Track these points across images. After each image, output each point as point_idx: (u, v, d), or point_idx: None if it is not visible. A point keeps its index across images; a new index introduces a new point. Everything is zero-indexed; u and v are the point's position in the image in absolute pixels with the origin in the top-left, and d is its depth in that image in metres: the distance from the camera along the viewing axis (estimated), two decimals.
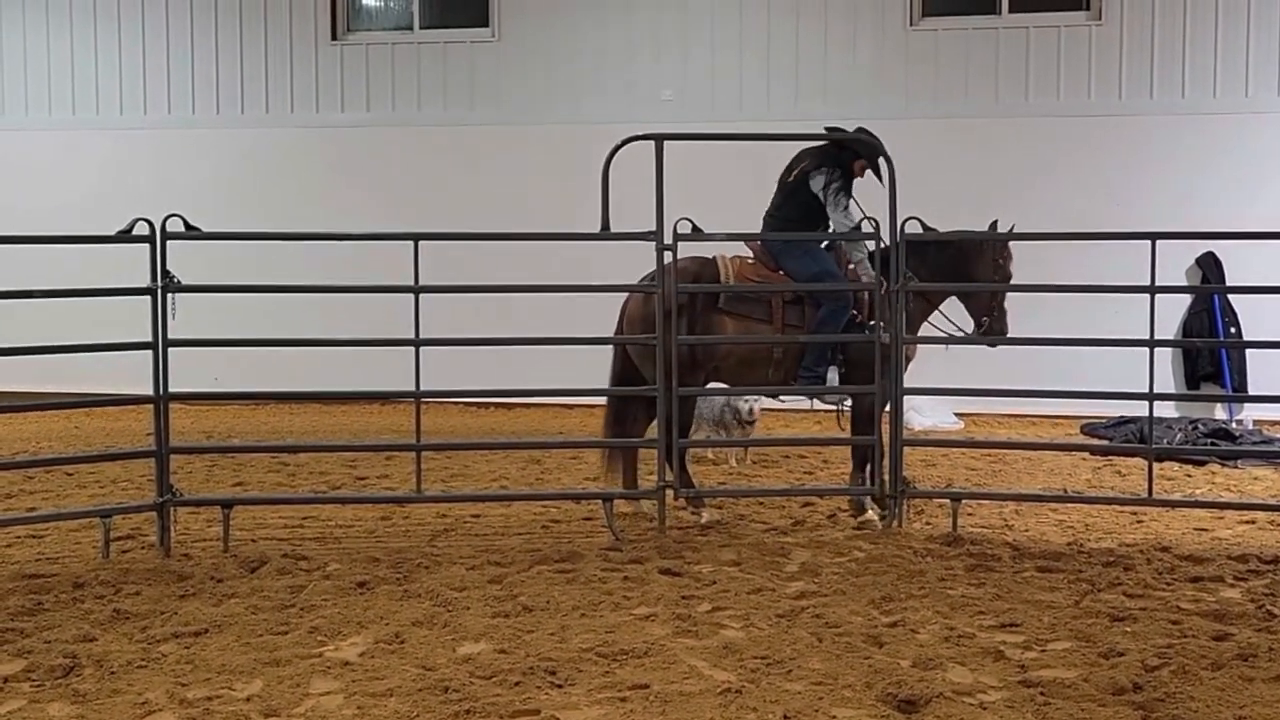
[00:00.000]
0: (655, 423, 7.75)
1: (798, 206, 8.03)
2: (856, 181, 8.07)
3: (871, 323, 7.82)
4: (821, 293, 7.90)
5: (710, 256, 8.05)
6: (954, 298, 8.13)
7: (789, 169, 8.14)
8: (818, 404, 8.72)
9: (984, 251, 7.98)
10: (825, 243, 8.10)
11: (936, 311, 8.09)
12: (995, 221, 7.91)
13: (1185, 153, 12.81)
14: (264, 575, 6.59)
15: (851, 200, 7.97)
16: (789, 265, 7.99)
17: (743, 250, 8.18)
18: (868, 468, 8.02)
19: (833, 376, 7.98)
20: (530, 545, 7.27)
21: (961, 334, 8.08)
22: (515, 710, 4.56)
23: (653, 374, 7.80)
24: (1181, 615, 5.82)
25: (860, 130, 8.10)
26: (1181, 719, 4.47)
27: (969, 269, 8.00)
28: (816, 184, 7.97)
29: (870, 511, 7.87)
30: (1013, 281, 8.70)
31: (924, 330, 8.05)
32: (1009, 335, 8.04)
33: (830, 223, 7.99)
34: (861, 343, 7.82)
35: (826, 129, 8.27)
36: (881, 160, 7.78)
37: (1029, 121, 13.12)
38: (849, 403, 8.16)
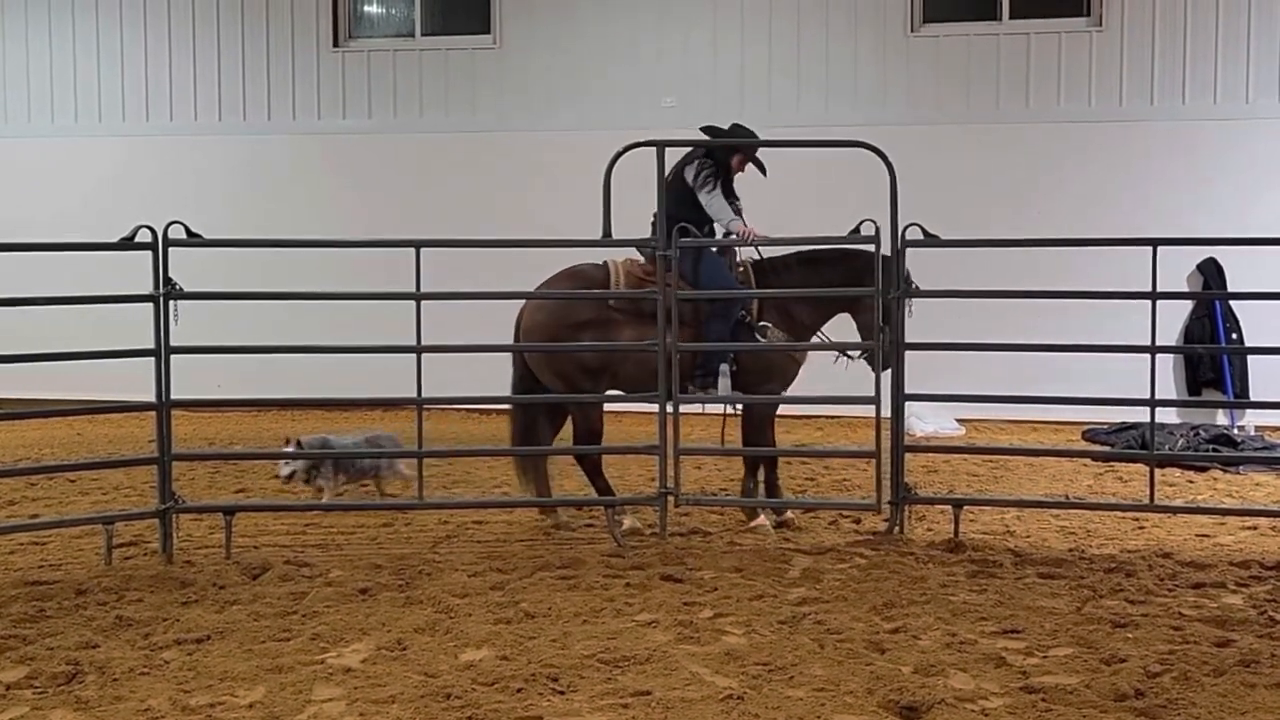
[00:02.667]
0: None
1: (676, 203, 7.86)
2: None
3: (761, 324, 7.91)
4: (711, 292, 7.88)
5: (601, 261, 8.09)
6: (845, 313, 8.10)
7: (670, 172, 8.03)
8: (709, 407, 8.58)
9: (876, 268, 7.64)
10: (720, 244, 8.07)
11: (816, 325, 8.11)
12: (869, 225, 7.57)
13: (1186, 159, 12.81)
14: (266, 582, 6.59)
15: (719, 191, 7.97)
16: (681, 266, 7.84)
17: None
18: (760, 472, 8.20)
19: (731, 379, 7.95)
20: (532, 552, 7.28)
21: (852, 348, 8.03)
22: (517, 717, 4.57)
23: (552, 382, 7.99)
24: (1183, 621, 5.82)
25: (736, 126, 8.19)
26: None
27: (861, 285, 7.75)
28: (689, 175, 7.99)
29: (762, 517, 7.97)
30: (1015, 288, 8.72)
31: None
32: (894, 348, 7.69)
33: (709, 213, 7.96)
34: (757, 346, 7.91)
35: (702, 128, 8.28)
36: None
37: (1030, 127, 13.11)
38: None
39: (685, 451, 7.88)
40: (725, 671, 5.07)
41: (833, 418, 12.55)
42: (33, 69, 14.80)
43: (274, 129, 14.45)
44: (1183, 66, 12.88)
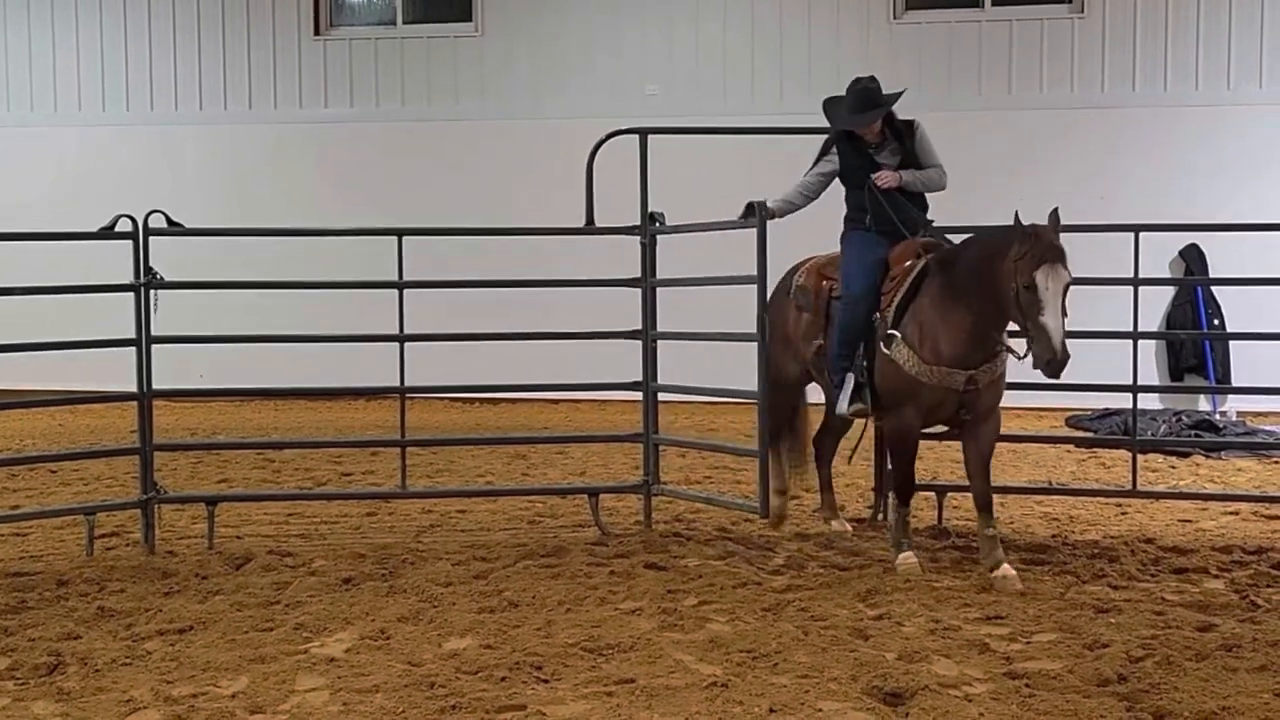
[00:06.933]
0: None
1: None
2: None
3: (890, 333, 6.53)
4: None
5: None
6: None
7: None
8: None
9: None
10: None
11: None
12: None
13: (1168, 145, 12.84)
14: (249, 572, 6.57)
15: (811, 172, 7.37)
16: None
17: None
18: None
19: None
20: (516, 540, 7.27)
21: None
22: (501, 706, 4.56)
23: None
24: (1166, 606, 5.84)
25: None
26: (1166, 710, 4.49)
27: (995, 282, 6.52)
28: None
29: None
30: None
31: None
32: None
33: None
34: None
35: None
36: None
37: (1012, 114, 13.13)
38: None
39: (662, 441, 7.85)
40: (709, 659, 5.07)
41: None
42: (10, 57, 14.70)
43: (255, 118, 14.38)
44: (1164, 53, 12.92)
